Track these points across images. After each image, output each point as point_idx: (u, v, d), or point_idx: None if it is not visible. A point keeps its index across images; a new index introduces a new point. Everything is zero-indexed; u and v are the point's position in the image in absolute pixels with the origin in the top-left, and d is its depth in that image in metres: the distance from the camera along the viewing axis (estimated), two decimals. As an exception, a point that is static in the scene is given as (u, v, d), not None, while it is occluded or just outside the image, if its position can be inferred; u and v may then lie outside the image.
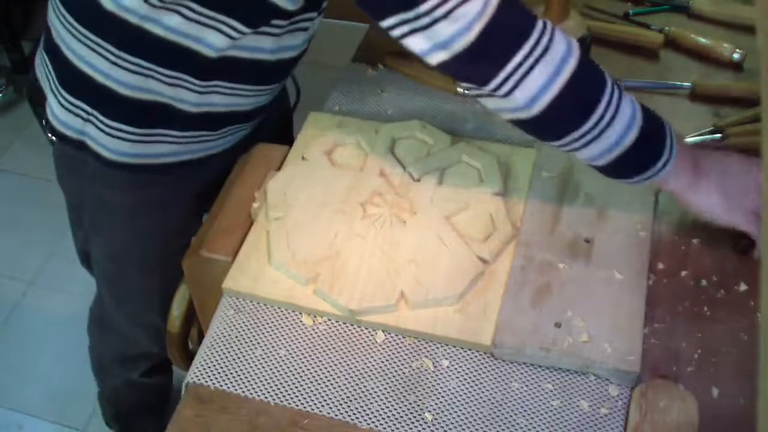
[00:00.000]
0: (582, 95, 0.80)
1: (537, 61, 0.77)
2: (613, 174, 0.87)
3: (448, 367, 0.85)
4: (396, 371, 0.85)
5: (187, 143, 1.00)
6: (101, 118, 0.95)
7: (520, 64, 0.77)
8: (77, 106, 0.96)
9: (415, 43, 0.77)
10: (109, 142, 0.96)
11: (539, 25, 0.78)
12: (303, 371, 0.85)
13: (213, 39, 0.88)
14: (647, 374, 0.84)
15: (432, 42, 0.76)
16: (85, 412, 1.78)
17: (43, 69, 1.01)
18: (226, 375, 0.85)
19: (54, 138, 1.01)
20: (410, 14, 0.75)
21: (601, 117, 0.80)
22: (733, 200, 0.88)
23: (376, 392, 0.83)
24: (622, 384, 0.84)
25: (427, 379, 0.84)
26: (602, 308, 0.87)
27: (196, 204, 1.10)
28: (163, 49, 0.88)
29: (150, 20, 0.86)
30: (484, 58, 0.77)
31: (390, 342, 0.88)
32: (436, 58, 0.78)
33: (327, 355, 0.86)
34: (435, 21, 0.75)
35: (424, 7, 0.74)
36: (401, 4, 0.75)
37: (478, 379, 0.84)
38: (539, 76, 0.77)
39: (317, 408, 0.82)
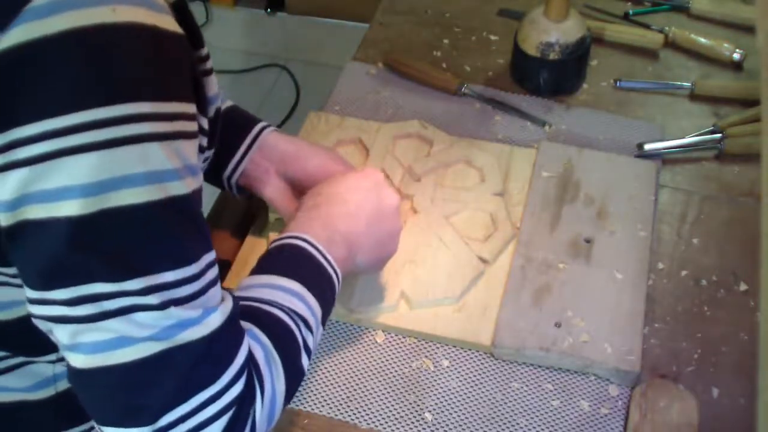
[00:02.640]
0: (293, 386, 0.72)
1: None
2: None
3: (448, 367, 0.85)
4: (396, 371, 0.85)
5: None
6: None
7: None
8: None
9: None
10: None
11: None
12: (303, 371, 0.85)
13: None
14: (647, 374, 0.84)
15: None
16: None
17: None
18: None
19: None
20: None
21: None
22: (382, 257, 0.85)
23: (376, 392, 0.83)
24: (622, 384, 0.84)
25: (427, 379, 0.84)
26: (602, 308, 0.87)
27: None
28: None
29: None
30: None
31: (390, 342, 0.88)
32: None
33: (327, 355, 0.86)
34: None
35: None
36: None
37: (478, 379, 0.84)
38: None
39: (317, 408, 0.82)
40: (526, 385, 0.84)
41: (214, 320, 0.62)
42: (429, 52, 1.21)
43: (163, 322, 0.59)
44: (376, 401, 0.83)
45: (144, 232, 0.58)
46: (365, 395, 0.83)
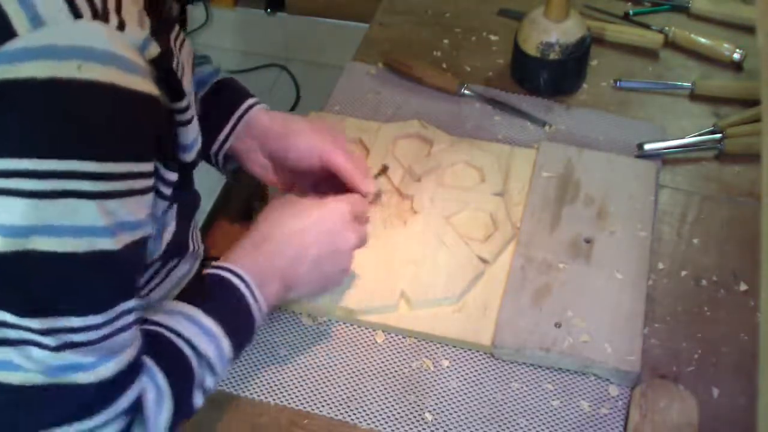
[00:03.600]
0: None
1: None
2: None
3: (448, 367, 0.85)
4: (396, 371, 0.85)
5: None
6: None
7: None
8: None
9: None
10: None
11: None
12: (303, 371, 0.85)
13: None
14: (647, 374, 0.84)
15: None
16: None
17: None
18: (227, 375, 0.85)
19: None
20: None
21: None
22: (323, 290, 0.86)
23: (376, 392, 0.83)
24: (622, 384, 0.84)
25: (427, 379, 0.84)
26: (602, 308, 0.87)
27: None
28: None
29: None
30: None
31: (390, 342, 0.87)
32: None
33: (327, 355, 0.86)
34: None
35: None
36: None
37: (478, 379, 0.84)
38: None
39: (317, 408, 0.82)
40: (526, 385, 0.84)
41: (105, 370, 0.63)
42: (429, 52, 1.21)
43: (53, 362, 0.61)
44: (376, 401, 0.83)
45: (58, 278, 0.60)
46: (365, 395, 0.83)
